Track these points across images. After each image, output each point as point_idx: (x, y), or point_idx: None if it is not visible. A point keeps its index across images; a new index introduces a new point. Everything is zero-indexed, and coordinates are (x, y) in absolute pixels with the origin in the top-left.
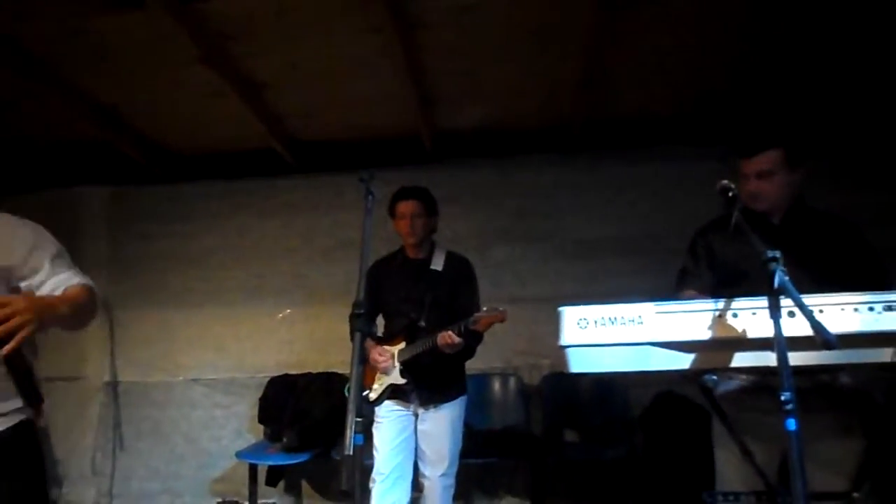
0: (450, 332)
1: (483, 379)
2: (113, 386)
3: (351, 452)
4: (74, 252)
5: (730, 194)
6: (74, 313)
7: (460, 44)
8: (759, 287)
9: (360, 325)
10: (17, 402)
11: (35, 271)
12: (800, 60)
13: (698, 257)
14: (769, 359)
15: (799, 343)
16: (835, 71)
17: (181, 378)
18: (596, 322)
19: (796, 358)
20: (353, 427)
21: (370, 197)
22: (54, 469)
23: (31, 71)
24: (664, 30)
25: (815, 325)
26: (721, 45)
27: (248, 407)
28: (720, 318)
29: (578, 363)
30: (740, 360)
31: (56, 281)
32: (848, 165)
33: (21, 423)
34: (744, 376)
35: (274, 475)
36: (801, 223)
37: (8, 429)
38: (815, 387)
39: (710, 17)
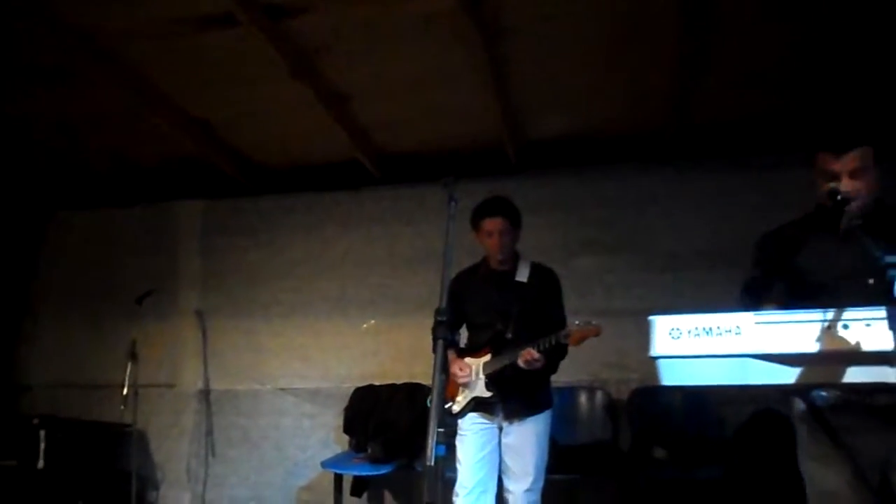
0: (530, 350)
1: (569, 392)
2: (205, 394)
3: (433, 463)
4: (170, 265)
5: (839, 198)
6: None
7: (544, 52)
8: (839, 299)
9: (442, 332)
10: None
11: None
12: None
13: (771, 266)
14: (887, 374)
15: None
16: None
17: (269, 387)
18: (689, 332)
19: None
20: (435, 437)
21: (453, 203)
22: (152, 472)
23: (131, 88)
24: (754, 34)
25: None
26: (811, 50)
27: (333, 417)
28: (829, 329)
29: (671, 375)
30: (853, 375)
31: None
32: None
33: None
34: (823, 393)
35: (359, 485)
36: (883, 223)
37: None
38: None
39: (800, 20)
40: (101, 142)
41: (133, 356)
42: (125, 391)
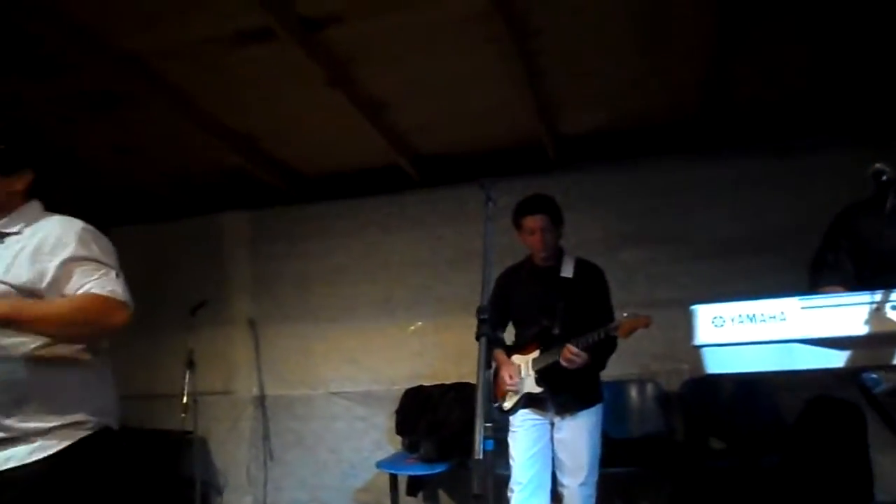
0: (569, 347)
1: (619, 386)
2: (261, 399)
3: (481, 457)
4: (220, 275)
5: (884, 178)
6: (50, 324)
7: (576, 47)
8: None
9: (485, 329)
10: (62, 417)
11: (42, 274)
12: None
13: (839, 247)
14: None
15: None
16: None
17: (321, 391)
18: (733, 320)
19: None
20: (482, 432)
21: (490, 203)
22: (215, 477)
23: (175, 107)
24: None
25: None
26: (849, 32)
27: (385, 418)
28: (878, 310)
29: (716, 363)
30: None
31: (69, 287)
32: None
33: (64, 451)
34: (874, 375)
35: (414, 485)
36: None
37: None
38: None
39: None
40: (150, 160)
41: (191, 365)
42: (185, 399)
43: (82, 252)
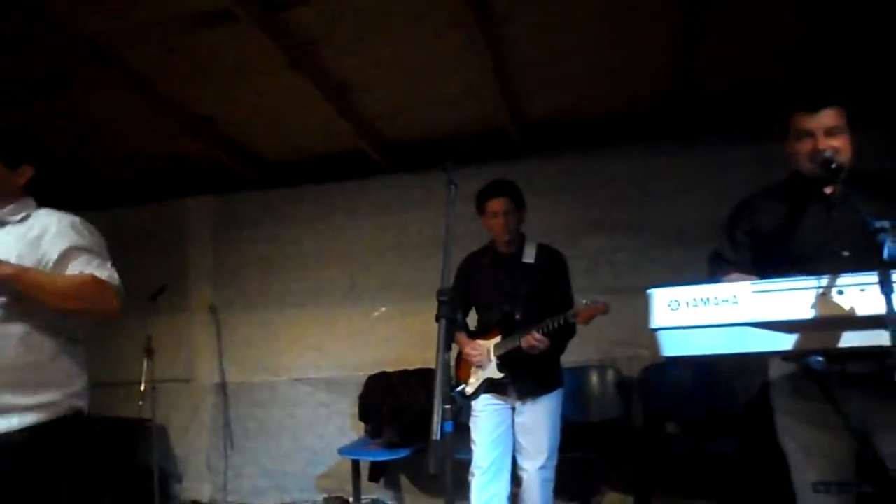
0: (532, 334)
1: (580, 372)
2: (222, 387)
3: (439, 437)
4: (182, 261)
5: (833, 166)
6: (54, 293)
7: (543, 32)
8: (817, 270)
9: (444, 311)
10: (47, 394)
11: (43, 261)
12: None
13: (737, 242)
14: (882, 338)
15: None
16: None
17: (284, 378)
18: (688, 303)
19: None
20: (441, 413)
21: (453, 186)
22: (174, 466)
23: (132, 90)
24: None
25: None
26: (815, 17)
27: (349, 405)
28: (823, 295)
29: (671, 346)
30: (849, 340)
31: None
32: None
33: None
34: (819, 358)
35: (376, 471)
36: (859, 190)
37: (26, 429)
38: (883, 371)
39: None
40: (108, 144)
41: (149, 352)
42: (143, 387)
43: (81, 242)
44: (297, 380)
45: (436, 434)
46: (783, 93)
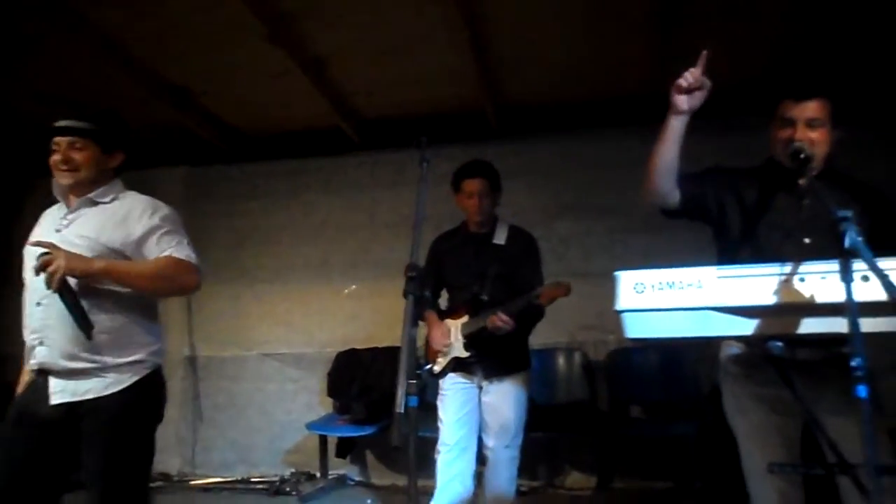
0: (498, 314)
1: (547, 354)
2: (191, 360)
3: (402, 410)
4: None
5: (802, 156)
6: (141, 278)
7: (524, 15)
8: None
9: (412, 287)
10: (136, 354)
11: (129, 239)
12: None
13: (706, 178)
14: (840, 325)
15: (873, 308)
16: None
17: (254, 353)
18: (653, 286)
19: (869, 324)
20: (406, 387)
21: (425, 163)
22: None
23: (103, 55)
24: None
25: (890, 288)
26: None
27: (318, 381)
28: (786, 282)
29: (635, 328)
30: (808, 326)
31: (152, 250)
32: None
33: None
34: (779, 343)
35: (343, 447)
36: (831, 186)
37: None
38: (830, 358)
39: None
40: (76, 110)
41: None
42: None
43: (162, 223)
44: (266, 355)
45: (399, 407)
46: (757, 84)
